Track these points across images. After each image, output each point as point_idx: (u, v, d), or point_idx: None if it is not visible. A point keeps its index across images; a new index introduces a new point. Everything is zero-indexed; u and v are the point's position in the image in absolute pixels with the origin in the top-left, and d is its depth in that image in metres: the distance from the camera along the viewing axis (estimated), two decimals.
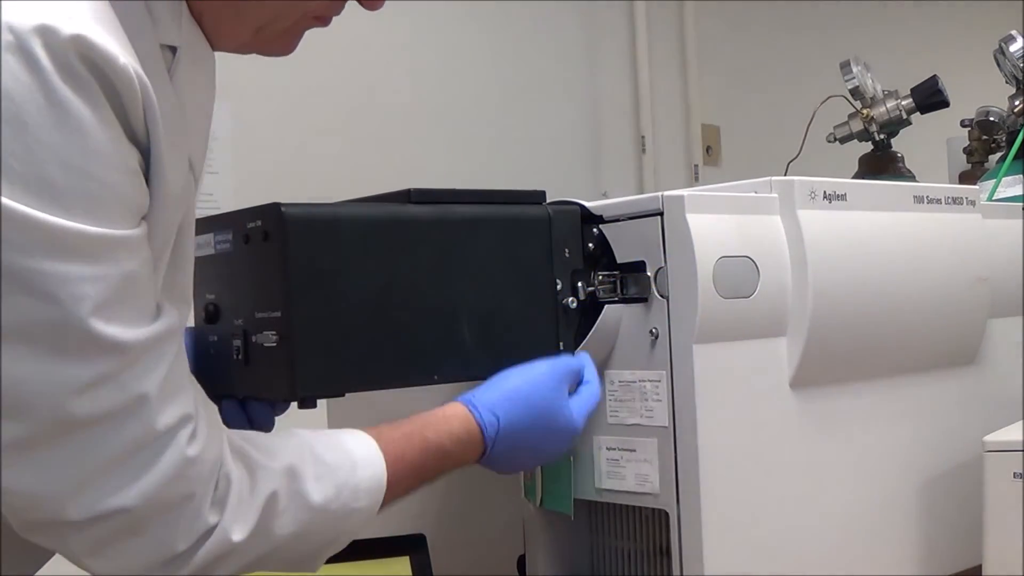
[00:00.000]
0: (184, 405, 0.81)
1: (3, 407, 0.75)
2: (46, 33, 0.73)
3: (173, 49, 0.87)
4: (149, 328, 0.79)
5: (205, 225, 1.03)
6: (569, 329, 1.07)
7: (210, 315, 1.03)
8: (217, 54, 0.95)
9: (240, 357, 0.98)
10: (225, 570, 0.84)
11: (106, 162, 0.76)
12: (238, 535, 0.83)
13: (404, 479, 0.95)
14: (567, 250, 1.08)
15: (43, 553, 0.91)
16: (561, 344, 1.06)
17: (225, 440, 0.86)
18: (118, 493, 0.78)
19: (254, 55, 0.99)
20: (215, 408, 0.90)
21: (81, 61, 0.74)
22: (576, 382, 1.05)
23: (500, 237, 1.05)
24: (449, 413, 1.00)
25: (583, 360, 1.07)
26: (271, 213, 0.93)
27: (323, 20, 0.97)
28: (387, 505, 0.94)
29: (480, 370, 1.03)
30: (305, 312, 0.93)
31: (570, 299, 1.07)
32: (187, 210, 0.90)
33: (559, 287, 1.07)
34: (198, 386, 0.87)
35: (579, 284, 1.08)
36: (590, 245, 1.09)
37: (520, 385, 1.01)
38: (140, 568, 0.80)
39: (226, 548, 0.83)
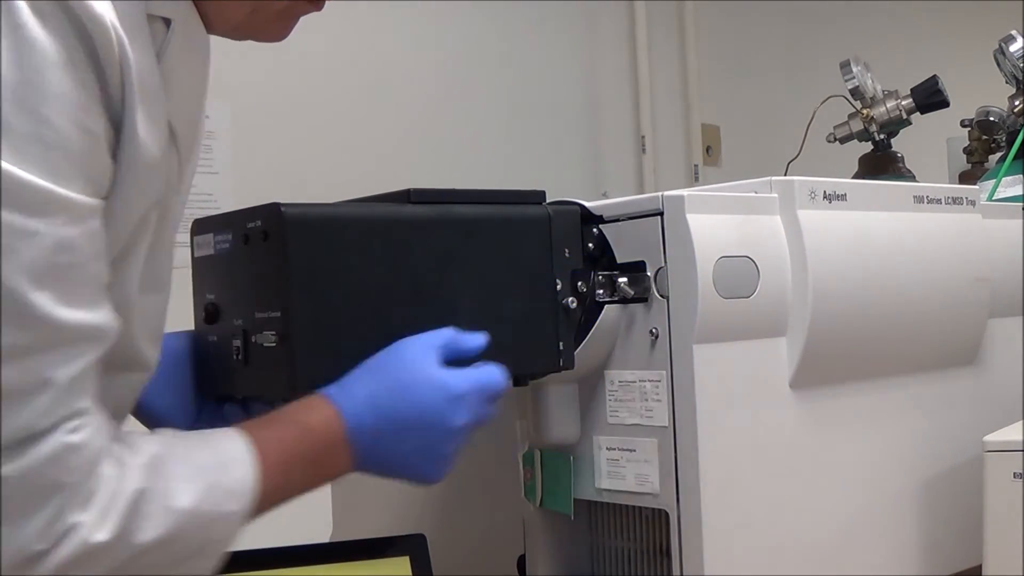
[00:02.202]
0: (82, 399, 0.78)
1: None
2: None
3: (167, 23, 0.86)
4: (81, 314, 0.76)
5: (205, 225, 1.03)
6: (569, 329, 1.07)
7: (210, 315, 1.02)
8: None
9: (240, 357, 0.98)
10: (91, 570, 0.79)
11: (65, 111, 0.73)
12: (101, 535, 0.78)
13: (277, 477, 0.88)
14: (567, 250, 1.07)
15: None
16: (561, 344, 1.06)
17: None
18: None
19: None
20: (104, 410, 0.83)
21: (57, 6, 0.72)
22: (458, 355, 0.97)
23: (500, 237, 1.04)
24: (307, 402, 0.93)
25: (466, 338, 0.98)
26: (271, 213, 0.93)
27: (317, 4, 0.94)
28: (261, 511, 0.88)
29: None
30: (304, 312, 0.93)
31: (570, 299, 1.07)
32: (169, 193, 0.88)
33: (559, 287, 1.07)
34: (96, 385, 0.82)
35: (579, 284, 1.08)
36: (590, 245, 1.09)
37: (376, 360, 0.94)
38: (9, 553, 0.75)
39: (87, 549, 0.77)
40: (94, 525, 0.78)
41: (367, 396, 0.92)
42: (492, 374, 0.96)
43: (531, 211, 1.07)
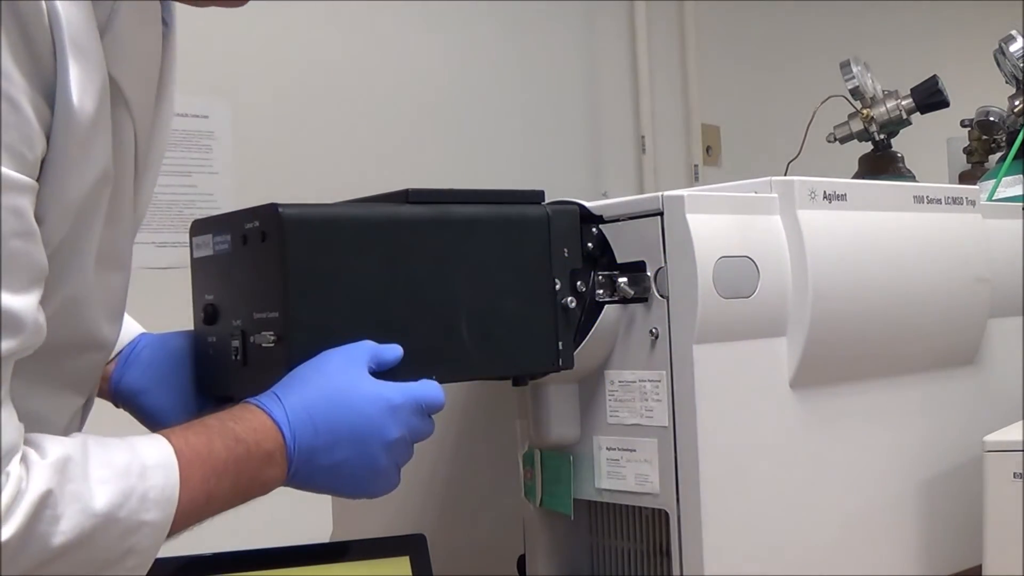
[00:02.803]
0: None
1: None
2: None
3: None
4: (5, 296, 0.73)
5: (204, 226, 1.03)
6: (569, 329, 1.07)
7: (209, 316, 1.02)
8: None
9: (238, 358, 0.98)
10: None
11: None
12: (5, 533, 0.75)
13: (202, 487, 0.85)
14: (566, 250, 1.07)
15: None
16: (560, 344, 1.06)
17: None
18: None
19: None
20: (14, 411, 0.80)
21: None
22: (380, 367, 0.95)
23: (498, 237, 1.04)
24: (239, 411, 0.91)
25: (385, 349, 0.95)
26: (269, 214, 0.93)
27: None
28: (183, 527, 0.84)
29: (478, 370, 1.03)
30: (303, 312, 0.92)
31: (569, 299, 1.07)
32: (122, 165, 0.87)
33: (558, 287, 1.07)
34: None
35: (578, 284, 1.08)
36: (589, 245, 1.09)
37: (307, 369, 0.92)
38: None
39: None
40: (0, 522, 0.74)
41: (303, 407, 0.89)
42: (430, 388, 0.95)
43: (530, 211, 1.06)
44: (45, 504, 0.77)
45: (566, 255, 1.07)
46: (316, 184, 2.41)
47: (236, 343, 0.98)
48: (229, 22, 2.52)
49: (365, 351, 0.94)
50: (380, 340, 0.95)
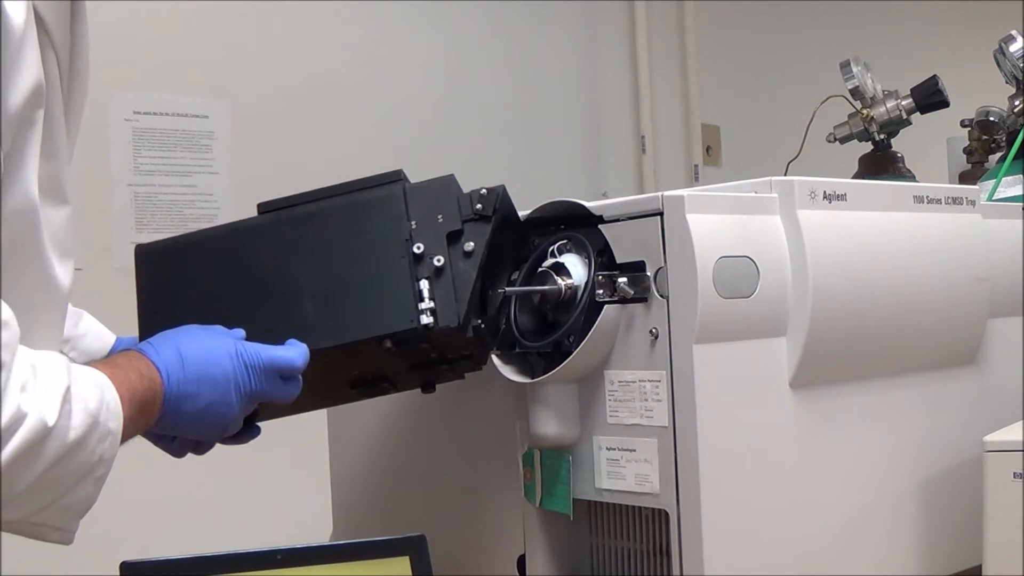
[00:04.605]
0: None
1: None
2: None
3: None
4: None
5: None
6: (445, 287, 1.07)
7: None
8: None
9: None
10: (38, 462, 0.83)
11: None
12: (51, 419, 0.83)
13: (129, 410, 0.95)
14: (440, 216, 1.10)
15: None
16: (434, 303, 1.06)
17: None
18: None
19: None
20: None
21: None
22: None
23: (342, 222, 1.12)
24: (128, 354, 1.03)
25: (234, 332, 1.08)
26: (136, 251, 1.18)
27: None
28: (122, 441, 0.94)
29: (328, 339, 1.08)
30: (150, 326, 1.10)
31: (436, 258, 1.08)
32: (52, 90, 0.91)
33: (420, 250, 1.08)
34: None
35: (466, 244, 1.09)
36: (479, 205, 1.10)
37: (181, 330, 1.06)
38: None
39: (43, 432, 0.83)
40: (43, 409, 0.83)
41: (177, 356, 1.01)
42: (290, 351, 1.06)
43: (383, 191, 1.13)
44: (69, 399, 0.86)
45: (440, 220, 1.10)
46: (316, 184, 2.40)
47: None
48: (229, 22, 2.52)
49: (218, 328, 1.08)
50: (228, 327, 1.08)
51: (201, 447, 1.11)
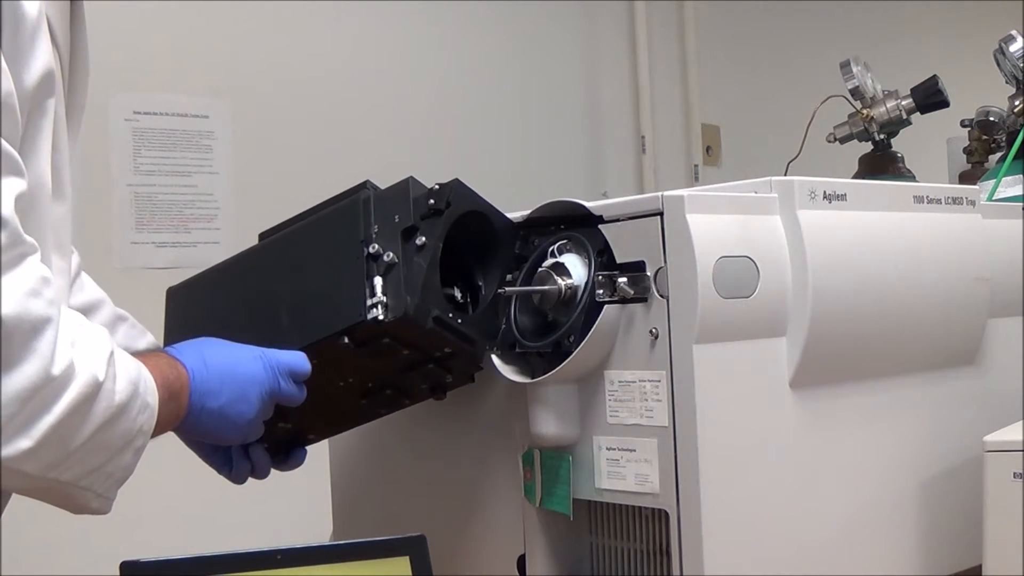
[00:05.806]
0: (30, 241, 0.84)
1: None
2: None
3: None
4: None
5: None
6: (396, 280, 1.09)
7: None
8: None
9: None
10: (90, 421, 0.85)
11: None
12: (101, 375, 0.85)
13: (162, 394, 0.98)
14: (397, 216, 1.12)
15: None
16: (386, 296, 1.08)
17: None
18: None
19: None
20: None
21: None
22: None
23: (310, 236, 1.19)
24: (156, 352, 1.08)
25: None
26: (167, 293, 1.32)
27: None
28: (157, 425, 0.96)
29: (300, 339, 1.13)
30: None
31: (387, 254, 1.10)
32: (57, 84, 0.92)
33: (373, 249, 1.10)
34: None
35: (419, 240, 1.10)
36: (431, 201, 1.12)
37: (203, 339, 1.12)
38: (20, 390, 0.81)
39: (95, 387, 0.85)
40: (93, 364, 0.85)
41: (200, 356, 1.06)
42: (296, 356, 1.11)
43: (347, 202, 1.17)
44: (113, 361, 0.88)
45: (397, 220, 1.12)
46: (315, 184, 2.40)
47: None
48: (229, 22, 2.52)
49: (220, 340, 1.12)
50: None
51: (258, 470, 1.17)
